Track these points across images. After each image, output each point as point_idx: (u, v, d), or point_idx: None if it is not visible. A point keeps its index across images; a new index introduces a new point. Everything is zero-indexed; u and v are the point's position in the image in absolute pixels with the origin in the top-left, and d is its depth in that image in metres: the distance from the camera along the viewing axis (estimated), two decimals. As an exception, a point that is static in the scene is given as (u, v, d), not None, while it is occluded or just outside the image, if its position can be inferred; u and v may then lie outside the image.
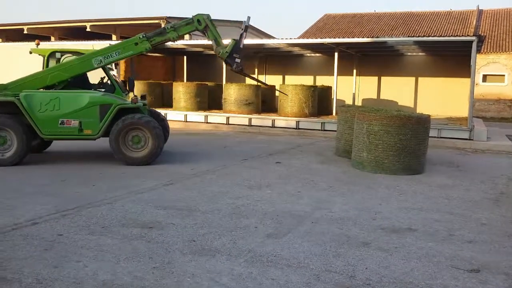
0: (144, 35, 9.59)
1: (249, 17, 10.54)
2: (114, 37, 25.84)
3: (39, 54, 10.06)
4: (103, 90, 10.08)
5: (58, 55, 9.93)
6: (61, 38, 27.96)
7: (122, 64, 23.51)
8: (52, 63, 9.88)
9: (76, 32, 27.71)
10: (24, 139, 8.79)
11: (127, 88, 10.40)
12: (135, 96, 9.45)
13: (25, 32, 26.88)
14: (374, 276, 4.14)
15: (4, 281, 3.84)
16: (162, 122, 10.68)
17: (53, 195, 6.71)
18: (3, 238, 4.85)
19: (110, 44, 10.23)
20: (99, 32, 25.73)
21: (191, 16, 9.81)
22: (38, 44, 10.41)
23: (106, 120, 9.01)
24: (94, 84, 10.28)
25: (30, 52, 10.17)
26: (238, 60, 9.92)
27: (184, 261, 4.37)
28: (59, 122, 8.91)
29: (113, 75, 10.29)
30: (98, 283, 3.85)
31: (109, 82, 10.18)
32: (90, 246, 4.68)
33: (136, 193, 6.96)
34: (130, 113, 9.19)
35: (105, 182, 7.65)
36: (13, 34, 28.51)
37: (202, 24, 9.82)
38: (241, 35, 10.10)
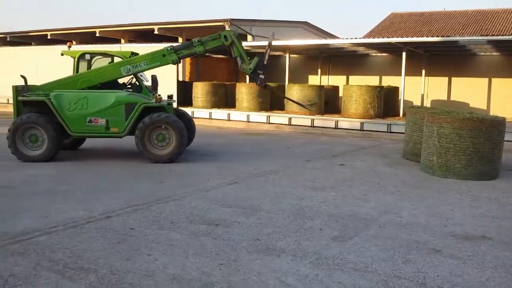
0: (172, 48, 9.96)
1: (273, 33, 10.68)
2: (180, 39, 26.56)
3: (70, 56, 10.66)
4: (130, 90, 10.54)
5: (87, 56, 10.49)
6: (130, 41, 29.11)
7: (187, 65, 24.20)
8: (83, 64, 10.44)
9: (144, 35, 28.76)
10: (54, 137, 9.24)
11: (152, 87, 10.59)
12: (159, 95, 9.73)
13: (97, 35, 28.22)
14: (446, 284, 3.96)
15: (81, 271, 4.05)
16: (188, 121, 10.88)
17: (124, 191, 7.00)
18: (80, 231, 5.12)
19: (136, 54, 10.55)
20: (166, 34, 26.55)
21: (219, 33, 10.07)
22: (70, 47, 11.06)
23: (132, 119, 9.37)
24: (122, 84, 10.74)
25: (62, 54, 10.81)
26: (262, 76, 10.04)
27: (249, 259, 4.40)
28: (87, 120, 9.34)
29: (140, 75, 10.57)
30: (168, 276, 3.97)
31: (136, 83, 10.61)
32: (160, 241, 4.84)
33: (202, 191, 7.11)
34: (155, 112, 9.47)
35: (172, 180, 7.88)
36: (86, 37, 30.03)
37: (229, 40, 10.02)
38: (266, 51, 10.15)
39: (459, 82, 19.38)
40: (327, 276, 4.06)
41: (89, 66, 10.59)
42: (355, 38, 17.65)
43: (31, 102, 9.44)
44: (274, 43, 18.72)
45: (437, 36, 16.40)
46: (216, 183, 7.65)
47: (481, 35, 20.44)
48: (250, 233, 5.18)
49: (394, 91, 17.72)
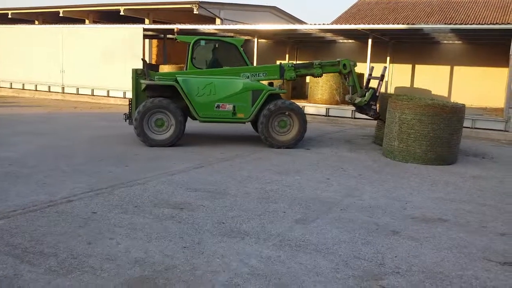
0: (292, 65, 10.24)
1: (385, 67, 10.90)
2: (147, 21, 26.05)
3: (184, 42, 10.27)
4: None
5: (202, 42, 10.16)
6: (95, 21, 28.36)
7: (154, 48, 23.78)
8: (198, 51, 10.07)
9: (109, 15, 28.06)
10: (182, 122, 9.28)
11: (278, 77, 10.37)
12: (282, 83, 9.90)
13: (61, 15, 27.35)
14: (404, 264, 4.11)
15: (41, 255, 3.99)
16: None
17: (88, 175, 6.89)
18: (40, 215, 5.02)
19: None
20: (133, 16, 25.97)
21: (337, 59, 10.46)
22: (177, 32, 10.72)
23: (258, 105, 9.55)
24: None
25: (175, 39, 10.48)
26: (374, 107, 10.30)
27: (213, 242, 4.43)
28: (215, 106, 9.43)
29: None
30: (131, 260, 3.96)
31: None
32: (123, 225, 4.80)
33: (168, 174, 7.07)
34: (276, 99, 9.76)
35: (138, 164, 7.80)
36: (49, 16, 29.07)
37: (347, 69, 10.39)
38: (378, 83, 10.38)
39: (422, 70, 19.82)
40: (289, 258, 4.14)
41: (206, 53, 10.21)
42: (323, 24, 17.73)
43: (155, 86, 9.39)
44: (242, 27, 18.68)
45: (403, 24, 16.64)
46: (182, 167, 7.62)
47: (445, 24, 20.90)
48: (215, 216, 5.20)
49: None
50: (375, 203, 6.02)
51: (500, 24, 16.99)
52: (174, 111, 9.25)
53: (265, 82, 10.27)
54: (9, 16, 28.86)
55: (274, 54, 22.88)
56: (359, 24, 18.99)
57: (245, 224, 4.99)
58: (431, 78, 19.44)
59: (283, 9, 30.37)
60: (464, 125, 9.71)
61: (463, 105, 9.17)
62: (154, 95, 9.41)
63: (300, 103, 16.42)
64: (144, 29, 19.47)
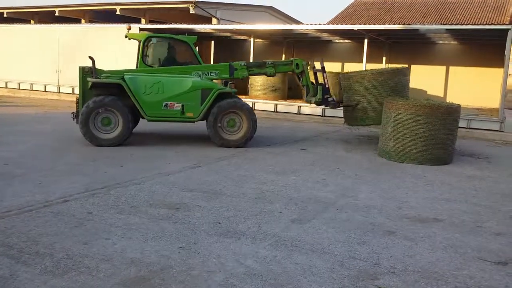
0: (245, 64, 10.18)
1: (322, 59, 10.95)
2: (143, 20, 26.00)
3: (135, 39, 10.15)
4: None
5: (154, 40, 10.06)
6: (90, 21, 28.28)
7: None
8: (150, 49, 9.97)
9: (105, 15, 28.00)
10: (129, 121, 9.11)
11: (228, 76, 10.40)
12: (231, 81, 9.84)
13: (56, 14, 27.27)
14: (399, 264, 4.12)
15: (37, 255, 3.98)
16: None
17: (84, 175, 6.87)
18: (35, 215, 5.01)
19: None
20: (129, 15, 25.93)
21: (290, 59, 10.60)
22: (129, 29, 10.49)
23: (207, 104, 9.40)
24: None
25: (126, 37, 10.29)
26: (330, 99, 10.52)
27: (209, 242, 4.44)
28: (163, 104, 9.26)
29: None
30: (127, 260, 3.96)
31: None
32: (118, 225, 4.80)
33: (164, 175, 7.07)
34: (227, 98, 9.62)
35: (134, 164, 7.79)
36: (45, 16, 28.98)
37: (300, 68, 10.46)
38: (324, 77, 10.52)
39: (418, 70, 19.84)
40: (285, 258, 4.15)
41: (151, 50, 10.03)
42: (319, 24, 17.75)
43: (102, 84, 9.13)
44: (238, 27, 18.67)
45: (399, 24, 16.67)
46: (178, 167, 7.62)
47: (441, 24, 20.96)
48: (211, 216, 5.21)
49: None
50: (370, 203, 6.04)
51: (495, 24, 17.07)
52: (121, 110, 9.02)
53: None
54: (5, 15, 28.76)
55: (271, 54, 22.86)
56: (355, 24, 19.02)
57: (241, 224, 5.00)
58: (427, 78, 19.47)
59: (279, 9, 30.42)
60: (460, 125, 9.76)
61: (459, 105, 9.21)
62: (101, 93, 9.14)
63: (296, 103, 16.49)
64: (140, 29, 19.42)
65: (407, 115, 8.74)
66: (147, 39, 9.93)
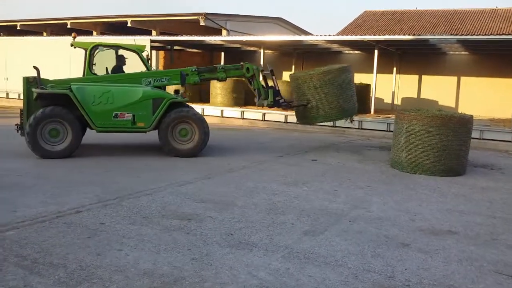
0: (196, 69, 10.15)
1: (270, 64, 11.27)
2: (154, 32, 26.25)
3: (81, 48, 10.03)
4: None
5: (101, 49, 9.99)
6: (102, 33, 28.59)
7: (161, 58, 23.94)
8: (97, 57, 9.89)
9: (117, 27, 28.31)
10: (78, 132, 8.99)
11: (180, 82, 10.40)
12: (184, 91, 9.77)
13: (69, 26, 27.62)
14: (414, 277, 4.07)
15: (50, 266, 3.99)
16: None
17: (96, 185, 6.90)
18: (49, 225, 5.03)
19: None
20: (140, 27, 26.20)
21: (241, 63, 10.59)
22: (74, 37, 10.34)
23: (159, 113, 9.35)
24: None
25: (72, 45, 10.16)
26: (282, 100, 10.70)
27: (222, 253, 4.42)
28: (113, 115, 9.16)
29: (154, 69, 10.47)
30: (139, 271, 3.95)
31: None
32: (131, 236, 4.80)
33: (175, 185, 7.08)
34: (179, 107, 9.59)
35: (146, 174, 7.81)
36: (57, 28, 29.38)
37: (250, 72, 10.51)
38: (273, 79, 10.77)
39: (429, 80, 19.78)
40: (298, 270, 4.11)
41: (92, 59, 9.90)
42: (329, 35, 17.79)
43: (48, 95, 8.91)
44: (248, 38, 18.78)
45: (409, 35, 16.68)
46: (190, 178, 7.62)
47: (452, 34, 20.89)
48: (223, 228, 5.19)
49: (365, 88, 17.93)
50: (383, 214, 5.99)
51: (507, 34, 16.98)
52: (70, 121, 8.82)
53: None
54: (18, 28, 29.19)
55: (280, 65, 22.95)
56: (365, 35, 19.03)
57: (253, 235, 4.97)
58: (438, 89, 19.39)
59: (289, 20, 30.55)
60: (472, 136, 9.68)
61: (471, 116, 9.14)
62: (47, 104, 8.89)
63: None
64: (151, 41, 19.61)
65: (419, 126, 8.69)
66: (94, 48, 9.83)
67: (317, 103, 10.46)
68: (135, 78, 9.73)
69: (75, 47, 10.22)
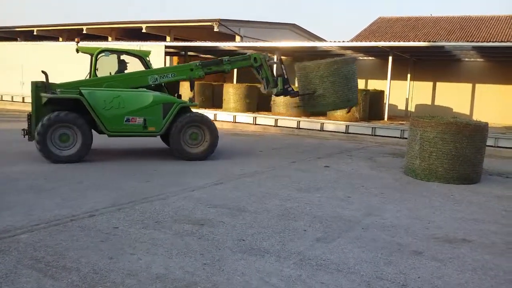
0: (200, 63, 10.25)
1: (275, 59, 11.52)
2: (168, 38, 26.47)
3: (85, 53, 10.13)
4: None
5: (106, 54, 10.11)
6: (117, 39, 28.93)
7: (174, 64, 24.10)
8: (101, 62, 10.00)
9: (132, 33, 28.61)
10: (89, 137, 9.02)
11: (190, 88, 10.72)
12: (193, 96, 9.86)
13: (84, 32, 28.00)
14: (427, 286, 4.02)
15: (64, 269, 4.02)
16: None
17: (110, 189, 6.96)
18: (63, 229, 5.08)
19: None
20: (154, 33, 26.45)
21: (247, 53, 10.61)
22: (78, 42, 10.38)
23: (169, 118, 9.49)
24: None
25: (77, 51, 10.24)
26: (290, 89, 10.80)
27: (234, 259, 4.42)
28: (125, 119, 9.26)
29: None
30: (152, 276, 3.96)
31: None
32: (143, 240, 4.82)
33: (188, 190, 7.10)
34: (188, 111, 9.83)
35: (159, 179, 7.86)
36: (73, 34, 29.78)
37: (258, 62, 10.58)
38: (282, 68, 10.87)
39: (443, 87, 19.63)
40: (310, 277, 4.09)
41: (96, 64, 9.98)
42: (343, 41, 17.77)
43: (59, 100, 8.94)
44: (262, 44, 18.83)
45: (424, 41, 16.58)
46: (202, 183, 7.65)
47: (467, 41, 20.72)
48: (235, 233, 5.19)
49: (379, 94, 17.87)
50: (397, 222, 5.94)
51: (523, 41, 16.79)
52: (81, 126, 8.86)
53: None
54: (35, 33, 29.66)
55: (293, 71, 22.96)
56: (379, 41, 18.97)
57: (265, 241, 4.96)
58: (453, 96, 19.24)
59: (302, 27, 30.57)
60: (487, 143, 9.57)
61: (486, 124, 9.04)
62: (57, 109, 8.89)
63: (319, 120, 16.43)
64: (166, 46, 19.77)
65: (433, 133, 8.62)
66: (100, 53, 9.94)
67: (324, 92, 10.62)
68: (142, 76, 9.82)
69: (79, 52, 10.33)
